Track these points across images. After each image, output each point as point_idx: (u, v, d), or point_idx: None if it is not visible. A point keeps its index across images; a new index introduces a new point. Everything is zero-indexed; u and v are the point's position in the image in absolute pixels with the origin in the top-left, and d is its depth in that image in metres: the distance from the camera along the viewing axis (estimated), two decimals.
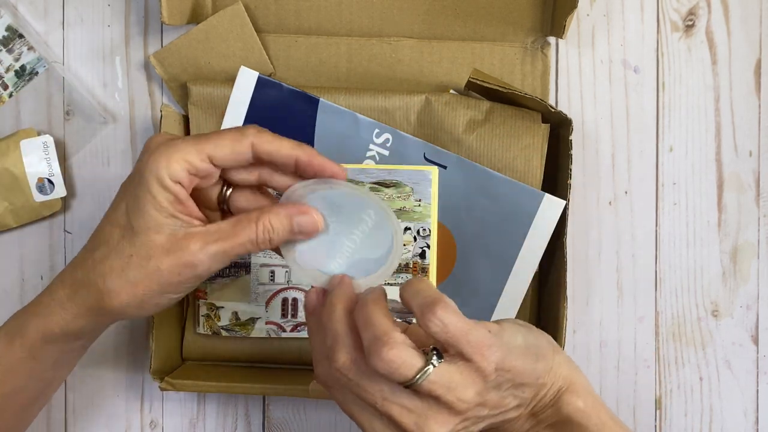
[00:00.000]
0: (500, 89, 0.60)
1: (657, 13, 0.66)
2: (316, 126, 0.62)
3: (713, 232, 0.66)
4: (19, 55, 0.65)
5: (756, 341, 0.66)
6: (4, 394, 0.51)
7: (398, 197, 0.61)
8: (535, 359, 0.45)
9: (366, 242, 0.49)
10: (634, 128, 0.66)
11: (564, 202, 0.61)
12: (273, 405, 0.66)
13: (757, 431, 0.66)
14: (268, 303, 0.63)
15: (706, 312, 0.66)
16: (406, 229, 0.60)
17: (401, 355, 0.42)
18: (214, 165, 0.48)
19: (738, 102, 0.66)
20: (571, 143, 0.60)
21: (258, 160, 0.49)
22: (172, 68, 0.65)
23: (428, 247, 0.60)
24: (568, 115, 0.60)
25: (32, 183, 0.64)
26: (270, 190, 0.52)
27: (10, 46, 0.65)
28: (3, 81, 0.65)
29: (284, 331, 0.63)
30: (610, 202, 0.66)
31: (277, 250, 0.50)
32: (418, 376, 0.42)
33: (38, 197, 0.64)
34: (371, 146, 0.62)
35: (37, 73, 0.66)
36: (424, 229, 0.60)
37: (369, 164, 0.62)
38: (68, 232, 0.66)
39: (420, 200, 0.61)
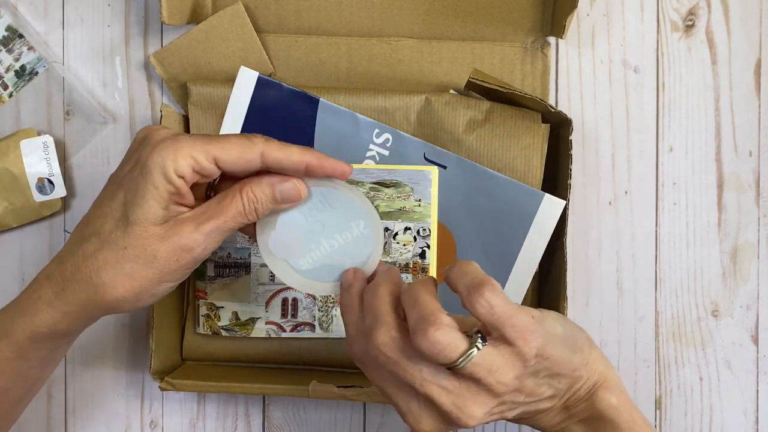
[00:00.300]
0: (500, 89, 0.60)
1: (657, 13, 0.66)
2: (316, 126, 0.62)
3: (713, 232, 0.66)
4: (19, 55, 0.65)
5: (756, 341, 0.66)
6: None
7: (398, 197, 0.61)
8: (572, 351, 0.46)
9: (343, 250, 0.50)
10: (634, 128, 0.66)
11: (564, 202, 0.61)
12: (273, 405, 0.66)
13: (757, 431, 0.66)
14: (268, 303, 0.63)
15: (706, 312, 0.66)
16: (406, 229, 0.60)
17: (447, 336, 0.42)
18: (218, 167, 0.48)
19: (738, 102, 0.66)
20: (571, 143, 0.60)
21: (266, 168, 0.49)
22: (172, 68, 0.65)
23: (428, 247, 0.60)
24: (568, 115, 0.60)
25: (32, 183, 0.64)
26: None
27: (10, 46, 0.65)
28: (3, 81, 0.65)
29: (284, 331, 0.63)
30: (610, 202, 0.66)
31: (251, 232, 0.50)
32: (461, 359, 0.42)
33: (38, 197, 0.64)
34: (371, 146, 0.62)
35: (37, 73, 0.66)
36: (424, 229, 0.60)
37: (369, 164, 0.62)
38: (68, 232, 0.66)
39: (420, 200, 0.61)
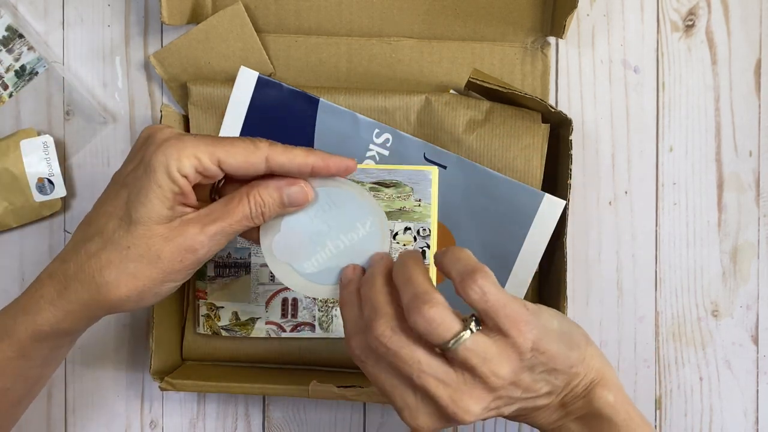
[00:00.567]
0: (500, 89, 0.60)
1: (657, 13, 0.66)
2: (316, 126, 0.62)
3: (713, 232, 0.66)
4: (19, 55, 0.65)
5: (756, 341, 0.66)
6: None
7: (398, 197, 0.61)
8: (569, 347, 0.46)
9: (348, 251, 0.49)
10: (634, 128, 0.66)
11: (564, 202, 0.61)
12: (273, 405, 0.66)
13: (757, 431, 0.66)
14: (268, 303, 0.63)
15: (706, 312, 0.66)
16: (406, 229, 0.60)
17: (441, 314, 0.42)
18: (222, 170, 0.48)
19: (738, 102, 0.66)
20: (571, 143, 0.60)
21: (270, 172, 0.48)
22: (172, 68, 0.65)
23: (428, 247, 0.60)
24: (568, 115, 0.60)
25: (32, 183, 0.64)
26: None
27: (10, 46, 0.65)
28: (3, 81, 0.65)
29: (284, 331, 0.63)
30: (610, 202, 0.66)
31: (256, 238, 0.50)
32: (454, 340, 0.42)
33: (38, 197, 0.64)
34: (371, 146, 0.62)
35: (37, 73, 0.66)
36: (424, 229, 0.60)
37: (369, 164, 0.62)
38: (68, 232, 0.66)
39: (420, 200, 0.60)
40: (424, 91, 0.63)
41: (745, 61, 0.66)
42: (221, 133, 0.63)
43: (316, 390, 0.59)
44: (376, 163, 0.62)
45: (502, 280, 0.62)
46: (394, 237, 0.60)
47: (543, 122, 0.62)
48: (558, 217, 0.61)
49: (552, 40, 0.65)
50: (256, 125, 0.62)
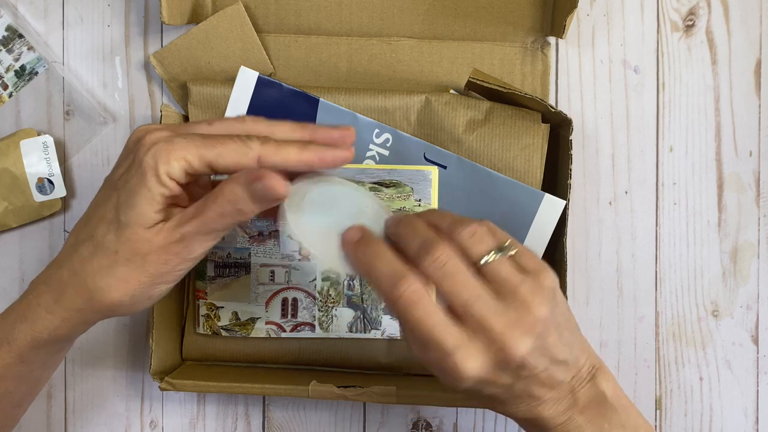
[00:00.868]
0: (500, 89, 0.60)
1: (657, 13, 0.66)
2: None
3: (713, 232, 0.66)
4: (19, 55, 0.65)
5: (756, 341, 0.66)
6: None
7: (398, 197, 0.61)
8: (574, 326, 0.47)
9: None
10: (634, 128, 0.66)
11: (564, 202, 0.61)
12: (273, 405, 0.66)
13: (757, 431, 0.66)
14: (268, 303, 0.63)
15: (706, 312, 0.66)
16: None
17: (482, 228, 0.46)
18: (212, 170, 0.47)
19: (738, 102, 0.66)
20: (571, 143, 0.60)
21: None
22: (172, 68, 0.65)
23: None
24: (568, 115, 0.60)
25: (32, 183, 0.64)
26: None
27: (10, 46, 0.65)
28: (3, 81, 0.65)
29: (284, 331, 0.63)
30: (610, 202, 0.66)
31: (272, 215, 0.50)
32: (498, 250, 0.45)
33: (38, 197, 0.64)
34: (371, 146, 0.62)
35: (37, 73, 0.66)
36: None
37: (369, 164, 0.62)
38: (68, 232, 0.66)
39: (420, 200, 0.61)
40: (424, 91, 0.63)
41: (745, 61, 0.66)
42: None
43: (316, 390, 0.59)
44: (376, 163, 0.62)
45: None
46: None
47: (543, 122, 0.62)
48: (558, 217, 0.61)
49: (552, 40, 0.65)
50: None
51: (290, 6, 0.65)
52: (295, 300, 0.63)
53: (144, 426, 0.67)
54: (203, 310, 0.63)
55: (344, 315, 0.63)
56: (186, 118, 0.64)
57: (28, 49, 0.65)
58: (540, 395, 0.47)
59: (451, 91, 0.64)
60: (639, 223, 0.66)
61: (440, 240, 0.45)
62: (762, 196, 0.66)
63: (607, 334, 0.66)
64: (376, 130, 0.62)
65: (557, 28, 0.62)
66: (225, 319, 0.63)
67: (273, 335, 0.63)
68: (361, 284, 0.63)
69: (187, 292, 0.65)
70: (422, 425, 0.66)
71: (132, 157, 0.47)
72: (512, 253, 0.45)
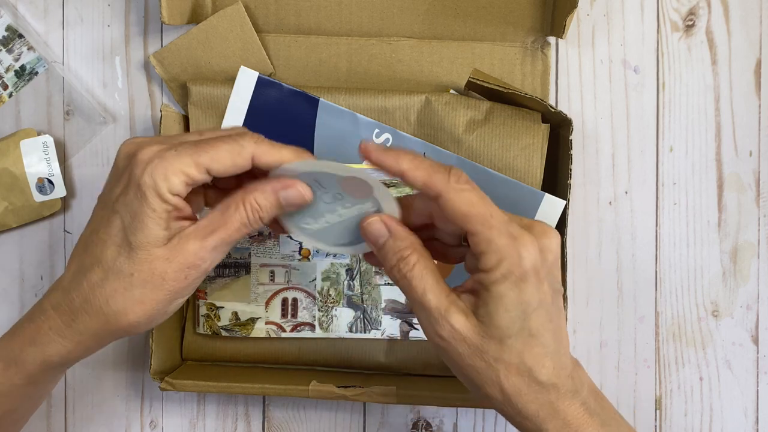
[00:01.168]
0: (500, 89, 0.60)
1: (657, 13, 0.66)
2: (316, 126, 0.62)
3: (713, 232, 0.66)
4: (19, 55, 0.65)
5: (756, 341, 0.66)
6: None
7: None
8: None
9: (353, 219, 0.49)
10: (634, 128, 0.66)
11: (564, 202, 0.61)
12: (273, 405, 0.66)
13: (757, 431, 0.66)
14: (268, 303, 0.63)
15: (706, 312, 0.66)
16: None
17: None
18: (210, 175, 0.47)
19: (738, 102, 0.66)
20: (571, 143, 0.60)
21: (258, 169, 0.48)
22: (172, 68, 0.65)
23: None
24: (568, 115, 0.60)
25: (32, 183, 0.64)
26: None
27: (10, 46, 0.65)
28: (3, 81, 0.65)
29: (284, 331, 0.63)
30: (610, 202, 0.66)
31: (275, 227, 0.50)
32: None
33: (38, 197, 0.64)
34: None
35: (37, 73, 0.66)
36: None
37: (369, 164, 0.62)
38: (68, 232, 0.67)
39: None
40: (424, 91, 0.63)
41: (745, 61, 0.66)
42: None
43: (316, 390, 0.59)
44: None
45: None
46: None
47: (543, 122, 0.62)
48: (558, 217, 0.61)
49: (552, 40, 0.65)
50: (256, 125, 0.62)
51: (290, 6, 0.65)
52: (295, 300, 0.63)
53: (144, 426, 0.67)
54: (203, 310, 0.63)
55: (344, 315, 0.63)
56: (186, 118, 0.64)
57: (28, 49, 0.65)
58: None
59: (451, 91, 0.64)
60: (639, 223, 0.66)
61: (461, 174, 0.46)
62: (762, 196, 0.66)
63: (607, 334, 0.66)
64: (376, 130, 0.62)
65: (557, 28, 0.62)
66: (225, 319, 0.63)
67: (273, 335, 0.63)
68: (361, 284, 0.63)
69: None
70: (422, 425, 0.66)
71: (127, 176, 0.47)
72: None
